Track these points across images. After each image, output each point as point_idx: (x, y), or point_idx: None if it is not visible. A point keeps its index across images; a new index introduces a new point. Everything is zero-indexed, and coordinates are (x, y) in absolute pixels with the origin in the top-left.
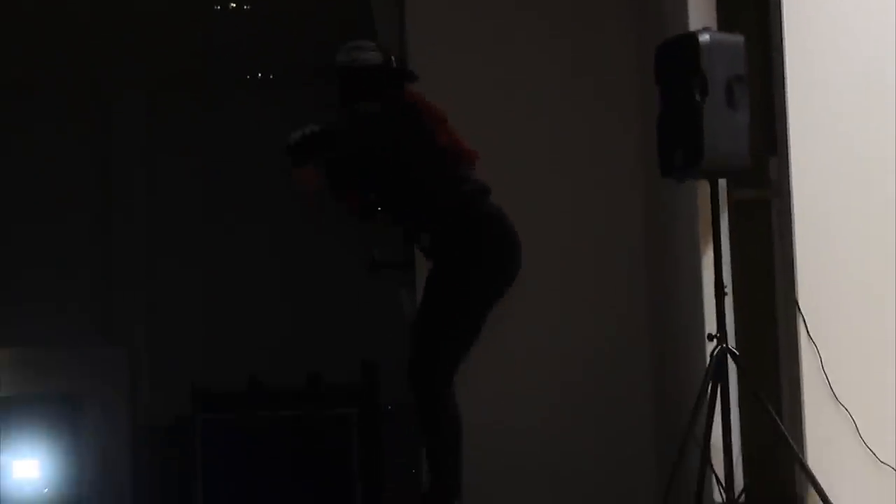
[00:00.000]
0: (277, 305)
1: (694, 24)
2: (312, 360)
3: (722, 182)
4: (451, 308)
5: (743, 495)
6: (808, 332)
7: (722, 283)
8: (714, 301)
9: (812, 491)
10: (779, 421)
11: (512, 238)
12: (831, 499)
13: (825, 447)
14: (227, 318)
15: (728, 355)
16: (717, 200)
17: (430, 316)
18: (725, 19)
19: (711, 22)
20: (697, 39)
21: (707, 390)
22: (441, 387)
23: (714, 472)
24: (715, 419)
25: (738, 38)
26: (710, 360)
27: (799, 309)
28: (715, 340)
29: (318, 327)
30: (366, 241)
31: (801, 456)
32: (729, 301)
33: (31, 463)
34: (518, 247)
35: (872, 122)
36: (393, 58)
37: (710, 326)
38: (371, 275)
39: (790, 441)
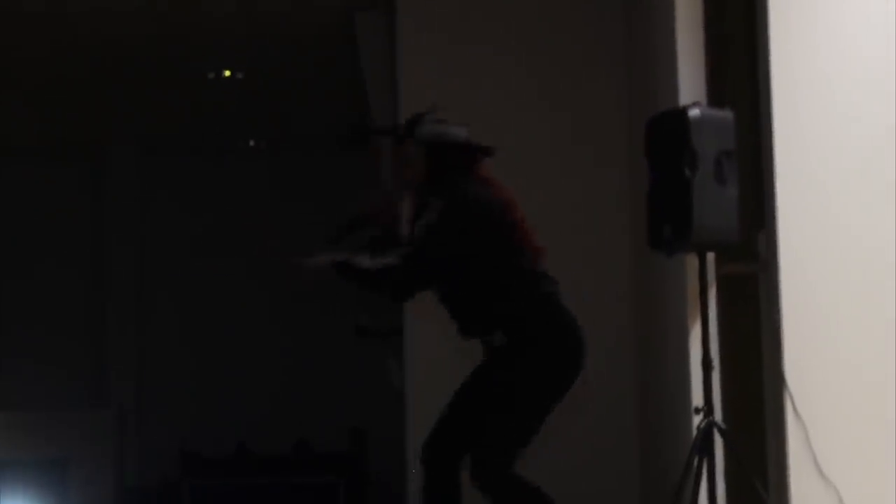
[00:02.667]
0: (267, 371)
1: (684, 98)
2: (301, 426)
3: (710, 255)
4: (530, 412)
5: None
6: (794, 406)
7: (709, 356)
8: (701, 374)
9: None
10: (765, 495)
11: (583, 339)
12: None
13: None
14: (217, 383)
15: (714, 428)
16: (706, 274)
17: (506, 416)
18: (716, 94)
19: (702, 96)
20: (687, 115)
21: (693, 463)
22: (510, 471)
23: None
24: (701, 492)
25: (727, 114)
26: (697, 433)
27: (786, 383)
28: (702, 413)
29: (308, 394)
30: (354, 308)
31: None
32: (716, 374)
33: None
34: (586, 347)
35: (861, 196)
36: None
37: (697, 399)
38: (359, 340)
39: None
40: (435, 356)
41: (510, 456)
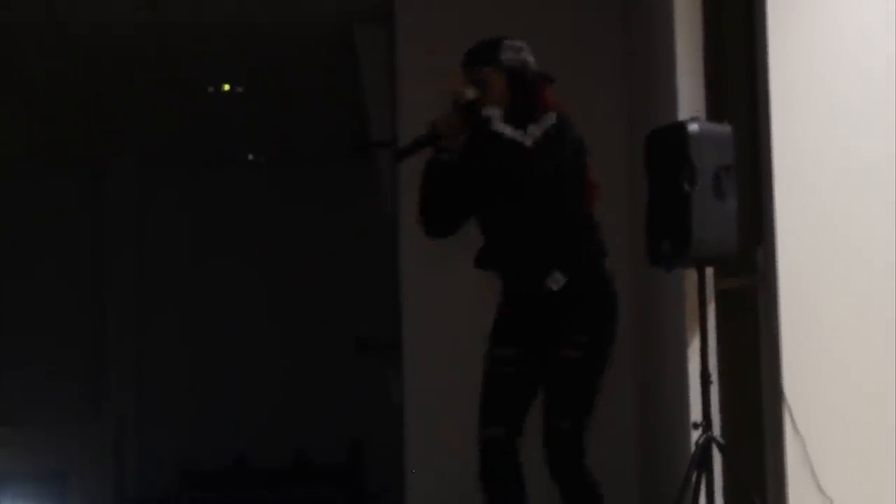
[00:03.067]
0: (266, 383)
1: (684, 112)
2: (300, 439)
3: (709, 270)
4: (600, 380)
5: None
6: (792, 420)
7: (708, 371)
8: (700, 389)
9: None
10: None
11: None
12: None
13: None
14: (216, 395)
15: (713, 444)
16: (704, 288)
17: (583, 388)
18: (715, 107)
19: (701, 109)
20: (686, 129)
21: (692, 478)
22: (585, 459)
23: None
24: None
25: (726, 129)
26: (696, 449)
27: (784, 397)
28: (700, 428)
29: (306, 406)
30: (353, 320)
31: None
32: (715, 389)
33: None
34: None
35: (860, 210)
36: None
37: (696, 413)
38: (358, 354)
39: None
40: (433, 369)
41: (584, 437)
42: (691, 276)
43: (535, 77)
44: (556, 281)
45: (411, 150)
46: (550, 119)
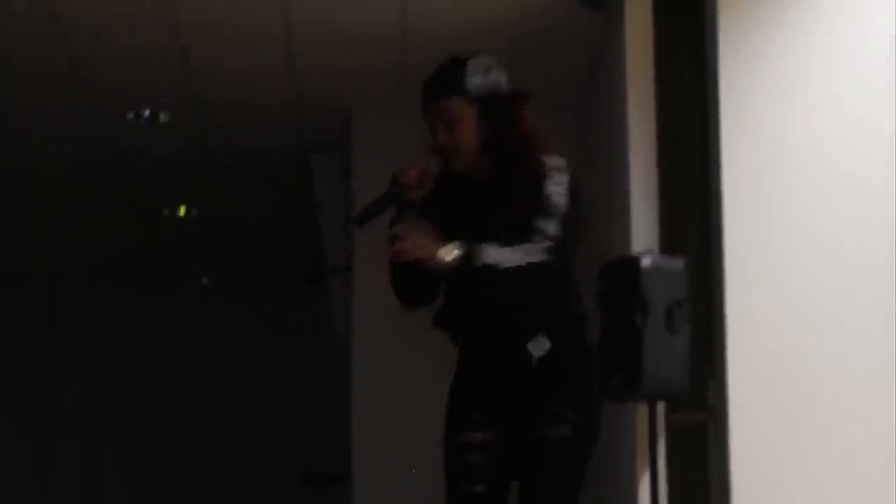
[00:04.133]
0: None
1: (637, 244)
2: None
3: (660, 404)
4: (591, 459)
5: None
6: None
7: None
8: None
9: None
10: None
11: None
12: None
13: None
14: None
15: None
16: (655, 423)
17: (580, 468)
18: (668, 241)
19: (654, 242)
20: (639, 263)
21: None
22: None
23: None
24: None
25: (678, 263)
26: None
27: None
28: None
29: None
30: (302, 451)
31: None
32: None
33: None
34: None
35: (813, 349)
36: None
37: None
38: (305, 486)
39: None
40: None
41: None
42: (642, 410)
43: (512, 102)
44: (540, 347)
45: (373, 213)
46: (557, 185)
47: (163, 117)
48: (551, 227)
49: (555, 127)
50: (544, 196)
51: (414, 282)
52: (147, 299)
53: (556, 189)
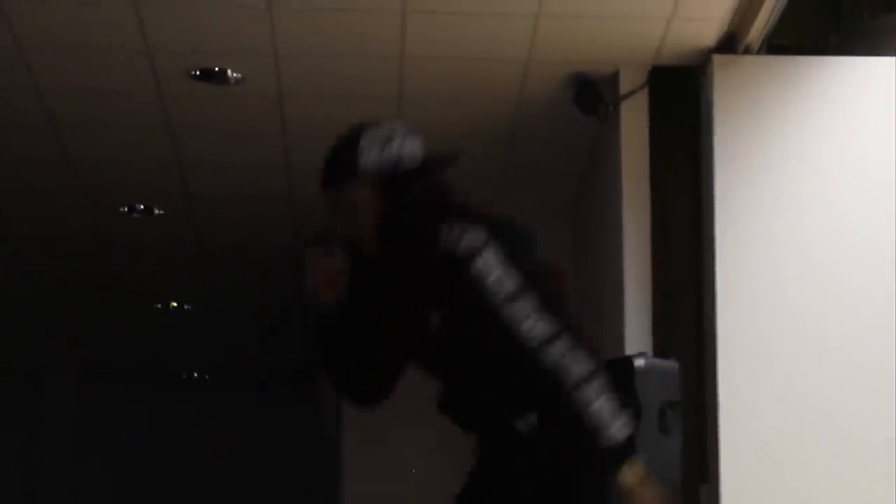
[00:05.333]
0: None
1: (630, 345)
2: None
3: None
4: None
5: None
6: None
7: None
8: None
9: None
10: None
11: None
12: None
13: None
14: None
15: None
16: None
17: None
18: (661, 342)
19: (647, 346)
20: (633, 364)
21: None
22: None
23: None
24: None
25: (672, 365)
26: None
27: None
28: None
29: None
30: None
31: None
32: None
33: None
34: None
35: (803, 451)
36: None
37: None
38: None
39: None
40: None
41: None
42: None
43: (414, 175)
44: (527, 424)
45: (275, 331)
46: (486, 267)
47: (157, 211)
48: (532, 321)
49: (549, 227)
50: (478, 294)
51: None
52: (133, 392)
53: (489, 272)
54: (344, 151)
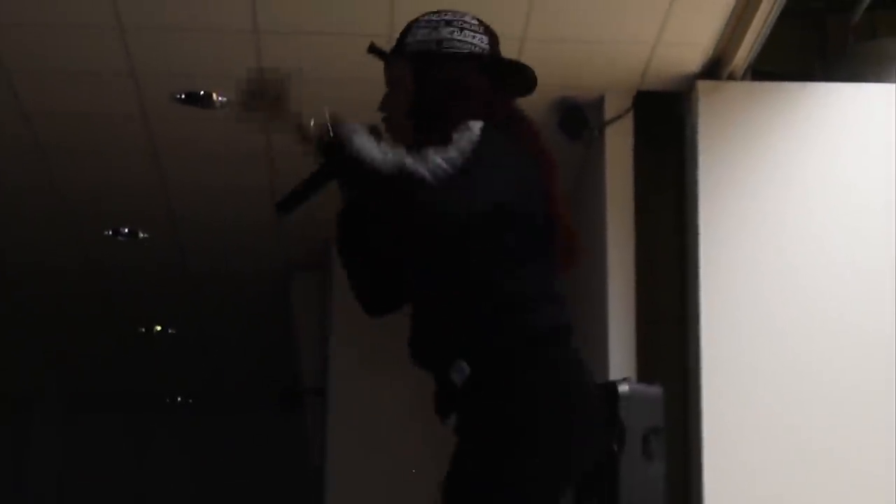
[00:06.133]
0: None
1: (614, 370)
2: None
3: None
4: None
5: None
6: None
7: None
8: None
9: None
10: None
11: (591, 408)
12: None
13: None
14: None
15: None
16: None
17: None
18: (645, 368)
19: (631, 371)
20: (617, 389)
21: None
22: None
23: None
24: None
25: (656, 390)
26: None
27: None
28: None
29: None
30: None
31: None
32: None
33: None
34: (596, 427)
35: (788, 479)
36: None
37: None
38: None
39: None
40: None
41: None
42: None
43: (451, 63)
44: (458, 374)
45: (300, 198)
46: (466, 135)
47: (141, 234)
48: (438, 160)
49: None
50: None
51: (361, 259)
52: (119, 416)
53: (457, 137)
54: (405, 29)
